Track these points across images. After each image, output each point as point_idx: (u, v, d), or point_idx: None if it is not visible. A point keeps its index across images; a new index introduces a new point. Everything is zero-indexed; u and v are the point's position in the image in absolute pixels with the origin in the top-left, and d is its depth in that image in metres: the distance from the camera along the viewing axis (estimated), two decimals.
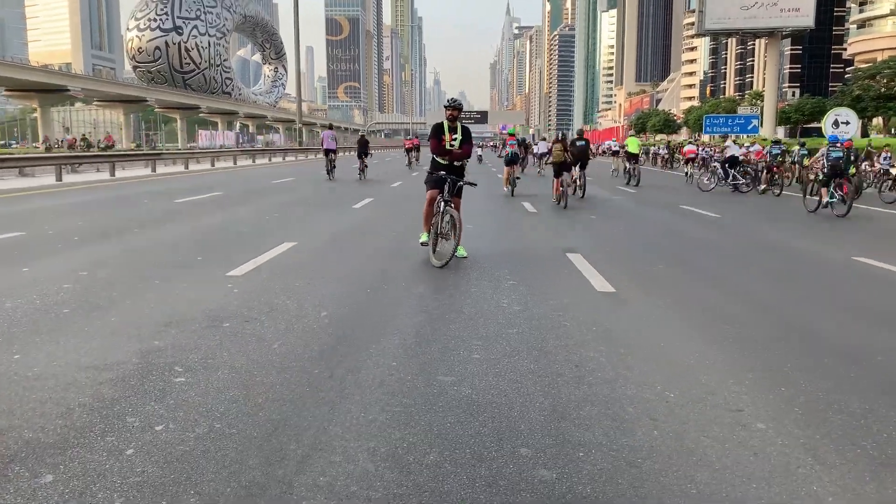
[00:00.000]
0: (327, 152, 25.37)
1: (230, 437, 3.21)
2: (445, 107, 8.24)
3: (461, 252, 7.86)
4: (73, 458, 2.99)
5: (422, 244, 8.04)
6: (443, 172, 8.05)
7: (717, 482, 2.86)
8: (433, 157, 8.30)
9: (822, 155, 15.54)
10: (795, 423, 3.49)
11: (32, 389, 3.78)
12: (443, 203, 7.89)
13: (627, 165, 25.86)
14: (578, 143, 18.19)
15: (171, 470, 2.89)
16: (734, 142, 25.29)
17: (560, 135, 17.73)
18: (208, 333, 4.91)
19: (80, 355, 4.37)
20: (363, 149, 25.93)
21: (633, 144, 26.45)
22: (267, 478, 2.83)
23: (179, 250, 8.58)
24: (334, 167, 25.45)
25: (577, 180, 18.12)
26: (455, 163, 8.18)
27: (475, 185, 8.45)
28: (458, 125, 8.22)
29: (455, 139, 8.13)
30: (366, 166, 25.71)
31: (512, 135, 22.29)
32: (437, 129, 8.22)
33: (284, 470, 2.90)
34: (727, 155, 22.91)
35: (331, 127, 27.68)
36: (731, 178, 22.12)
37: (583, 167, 18.49)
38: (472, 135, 8.44)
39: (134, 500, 2.65)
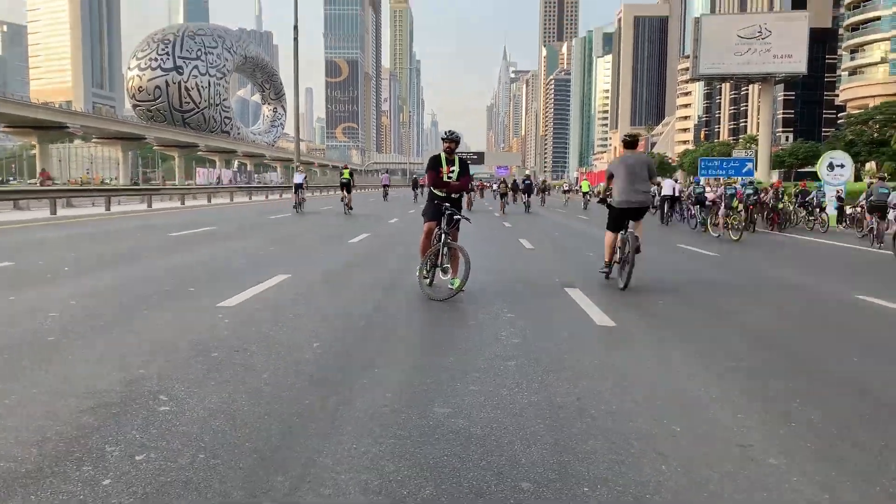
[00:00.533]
0: (297, 188, 28.07)
1: (214, 469, 3.03)
2: (443, 139, 8.16)
3: (455, 283, 7.67)
4: (46, 487, 2.81)
5: (422, 277, 7.87)
6: (446, 204, 7.91)
7: None
8: (430, 190, 8.17)
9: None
10: (808, 459, 3.33)
11: (9, 417, 3.60)
12: (442, 235, 7.77)
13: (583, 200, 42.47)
14: (525, 182, 36.19)
15: (150, 501, 2.71)
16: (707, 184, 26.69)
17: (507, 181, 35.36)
18: (196, 363, 4.74)
19: (61, 383, 4.20)
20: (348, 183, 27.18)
21: (584, 186, 46.77)
22: None
23: (170, 281, 8.43)
24: (302, 202, 27.98)
25: (523, 200, 33.81)
26: (453, 195, 8.08)
27: (469, 220, 8.35)
28: (456, 157, 8.12)
29: (453, 171, 8.02)
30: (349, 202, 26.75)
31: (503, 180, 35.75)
32: (435, 161, 8.11)
33: (271, 503, 2.72)
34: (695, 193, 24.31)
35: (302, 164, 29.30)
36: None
37: (528, 194, 34.51)
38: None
39: None
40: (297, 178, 28.95)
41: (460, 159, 8.17)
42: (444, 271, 7.75)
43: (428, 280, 7.91)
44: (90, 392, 4.03)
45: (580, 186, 49.98)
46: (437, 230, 7.91)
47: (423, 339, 5.81)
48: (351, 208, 26.37)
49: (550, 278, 9.67)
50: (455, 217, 7.90)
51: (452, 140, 8.08)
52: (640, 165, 8.92)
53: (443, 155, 8.08)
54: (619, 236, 8.81)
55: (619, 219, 8.94)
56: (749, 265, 12.72)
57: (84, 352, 4.97)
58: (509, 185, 38.29)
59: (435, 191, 8.09)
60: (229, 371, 4.56)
